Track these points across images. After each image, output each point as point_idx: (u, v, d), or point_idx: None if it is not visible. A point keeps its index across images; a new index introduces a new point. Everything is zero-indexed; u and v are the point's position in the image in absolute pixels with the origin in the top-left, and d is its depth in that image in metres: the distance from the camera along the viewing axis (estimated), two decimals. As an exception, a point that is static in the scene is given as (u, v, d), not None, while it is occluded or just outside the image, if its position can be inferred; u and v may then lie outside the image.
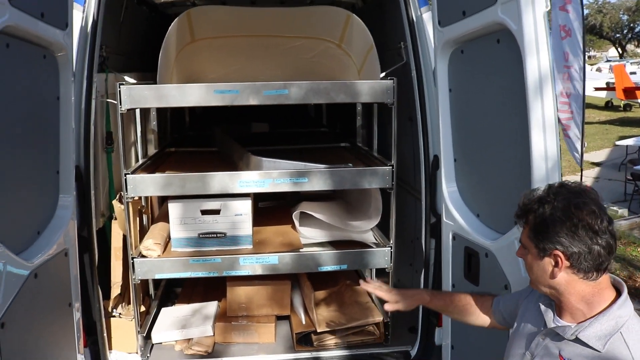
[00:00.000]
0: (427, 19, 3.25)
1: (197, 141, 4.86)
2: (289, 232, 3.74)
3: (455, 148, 3.07)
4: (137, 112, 3.81)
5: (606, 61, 38.98)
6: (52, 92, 2.66)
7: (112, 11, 3.49)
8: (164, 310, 3.88)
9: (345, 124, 5.34)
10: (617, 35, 47.99)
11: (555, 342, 1.73)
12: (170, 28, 3.33)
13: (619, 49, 49.34)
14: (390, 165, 3.38)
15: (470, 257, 2.89)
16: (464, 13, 2.66)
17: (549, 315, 1.77)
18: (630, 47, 52.14)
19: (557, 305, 1.76)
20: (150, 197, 4.04)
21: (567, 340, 1.69)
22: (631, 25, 46.02)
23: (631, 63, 30.69)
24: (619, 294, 1.69)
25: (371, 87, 3.27)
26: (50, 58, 2.58)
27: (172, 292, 4.32)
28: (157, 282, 4.16)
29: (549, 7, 2.21)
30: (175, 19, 3.36)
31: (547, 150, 2.25)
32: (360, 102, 3.25)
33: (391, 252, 3.49)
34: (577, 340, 1.66)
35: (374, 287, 2.41)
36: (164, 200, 4.16)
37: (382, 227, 3.75)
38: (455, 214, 3.03)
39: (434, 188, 3.35)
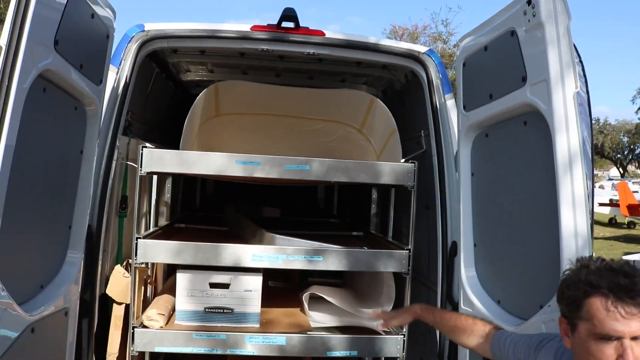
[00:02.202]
0: (450, 106, 3.30)
1: (207, 220, 4.81)
2: (298, 314, 3.59)
3: (476, 232, 3.01)
4: (154, 181, 3.79)
5: (608, 179, 39.60)
6: (77, 145, 2.67)
7: (141, 80, 3.58)
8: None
9: (356, 213, 5.31)
10: (618, 155, 49.12)
11: None
12: (197, 98, 3.39)
13: (620, 169, 50.29)
14: (407, 249, 3.30)
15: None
16: (490, 96, 2.70)
17: None
18: (631, 167, 53.20)
19: None
20: (156, 270, 3.93)
21: None
22: (631, 147, 47.22)
23: (633, 182, 31.12)
24: None
25: (392, 168, 3.26)
26: (81, 110, 2.61)
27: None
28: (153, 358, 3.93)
29: (578, 88, 2.25)
30: (204, 90, 3.43)
31: (577, 227, 2.20)
32: (380, 183, 3.22)
33: (404, 340, 3.32)
34: None
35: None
36: (168, 276, 4.06)
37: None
38: (475, 299, 2.91)
39: (451, 275, 3.25)
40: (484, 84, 2.78)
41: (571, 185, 2.23)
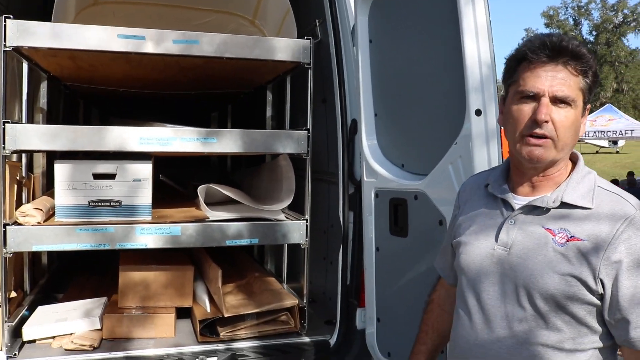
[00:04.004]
0: (345, -21, 3.20)
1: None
2: (193, 211, 3.37)
3: (376, 102, 2.93)
4: (25, 80, 3.36)
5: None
6: None
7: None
8: (40, 307, 3.29)
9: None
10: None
11: (533, 218, 1.53)
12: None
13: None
14: (306, 129, 3.17)
15: (397, 208, 2.69)
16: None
17: (510, 198, 1.58)
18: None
19: (520, 184, 1.59)
20: (34, 180, 3.54)
21: (550, 209, 1.51)
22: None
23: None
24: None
25: (287, 44, 3.11)
26: None
27: (52, 296, 3.71)
28: (33, 280, 3.54)
29: None
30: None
31: (481, 55, 2.16)
32: (276, 59, 3.05)
33: (307, 225, 3.21)
34: (562, 206, 1.50)
35: None
36: (49, 187, 3.68)
37: (296, 210, 3.48)
38: (378, 167, 2.84)
39: (352, 154, 3.18)
40: None
41: (473, 14, 2.18)
